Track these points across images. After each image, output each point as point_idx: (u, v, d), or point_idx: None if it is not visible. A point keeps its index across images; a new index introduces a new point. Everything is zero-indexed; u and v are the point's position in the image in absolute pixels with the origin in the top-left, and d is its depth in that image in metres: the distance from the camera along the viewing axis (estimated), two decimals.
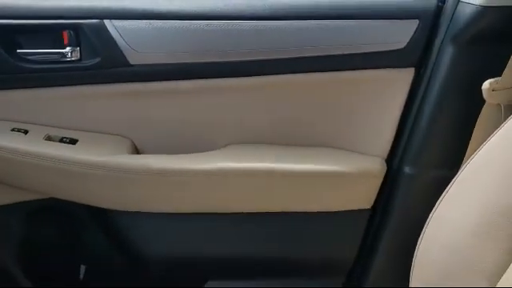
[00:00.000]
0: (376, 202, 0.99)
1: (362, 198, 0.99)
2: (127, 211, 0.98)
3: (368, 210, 1.01)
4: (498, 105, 0.83)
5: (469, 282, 0.62)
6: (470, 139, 0.87)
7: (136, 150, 0.98)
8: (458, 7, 0.87)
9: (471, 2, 0.84)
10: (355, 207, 0.99)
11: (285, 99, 0.97)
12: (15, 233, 1.02)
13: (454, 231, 0.66)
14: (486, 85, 0.83)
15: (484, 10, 0.82)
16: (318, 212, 0.99)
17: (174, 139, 0.98)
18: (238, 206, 0.99)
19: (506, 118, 0.69)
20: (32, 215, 1.02)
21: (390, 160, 0.98)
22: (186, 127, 0.98)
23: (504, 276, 0.58)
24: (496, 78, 0.82)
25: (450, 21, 0.88)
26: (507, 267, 0.58)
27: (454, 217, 0.67)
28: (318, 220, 1.00)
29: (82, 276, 1.07)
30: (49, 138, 0.93)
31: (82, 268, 1.09)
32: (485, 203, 0.63)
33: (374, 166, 0.96)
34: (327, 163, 0.96)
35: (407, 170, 0.95)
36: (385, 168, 0.97)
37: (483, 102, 0.84)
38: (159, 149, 0.98)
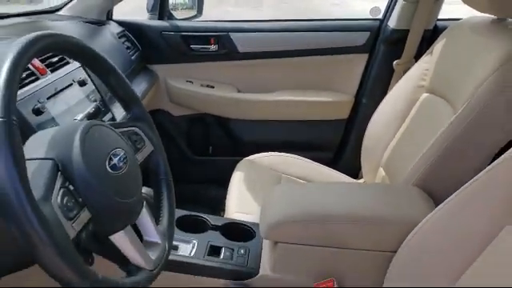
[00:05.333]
0: (349, 115, 1.85)
1: (342, 113, 1.84)
2: (236, 118, 1.86)
3: (345, 119, 1.86)
4: (400, 72, 1.66)
5: (380, 142, 1.46)
6: (389, 85, 1.71)
7: (238, 91, 1.86)
8: (386, 28, 1.71)
9: (391, 26, 1.67)
10: (339, 117, 1.86)
11: (303, 68, 1.83)
12: (182, 129, 1.91)
13: (378, 123, 1.50)
14: (394, 63, 1.68)
15: (395, 30, 1.66)
16: (319, 120, 1.85)
17: (255, 86, 1.84)
18: (279, 116, 1.86)
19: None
20: (191, 121, 1.89)
21: (356, 95, 1.83)
22: (260, 81, 1.84)
23: None
24: (398, 60, 1.67)
25: (383, 34, 1.72)
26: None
27: (380, 116, 1.49)
28: (321, 123, 1.85)
29: (210, 151, 1.96)
30: (201, 85, 1.82)
31: (210, 148, 1.98)
32: (389, 112, 1.47)
33: (347, 98, 1.83)
34: (324, 97, 1.82)
35: (363, 100, 1.80)
36: (353, 99, 1.83)
37: (393, 71, 1.69)
38: (248, 90, 1.85)
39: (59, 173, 0.55)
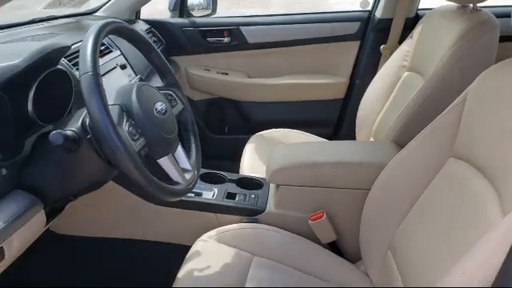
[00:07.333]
0: (345, 94, 2.07)
1: (339, 92, 2.06)
2: (247, 101, 2.09)
3: (342, 98, 2.08)
4: (386, 55, 1.88)
5: (371, 115, 1.69)
6: (377, 67, 1.93)
7: (249, 77, 2.09)
8: (374, 17, 1.93)
9: (378, 16, 1.90)
10: (337, 97, 2.08)
11: (304, 55, 2.05)
12: (201, 111, 2.14)
13: (369, 100, 1.72)
14: (381, 47, 1.90)
15: (381, 19, 1.88)
16: (319, 100, 2.07)
17: (263, 72, 2.07)
18: (285, 97, 2.09)
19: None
20: (208, 105, 2.13)
21: (350, 77, 2.05)
22: (268, 67, 2.07)
23: None
24: (385, 45, 1.89)
25: (372, 23, 1.94)
26: None
27: (370, 94, 1.72)
28: (321, 102, 2.08)
29: (226, 131, 2.20)
30: (217, 72, 2.06)
31: (226, 128, 2.21)
32: (378, 90, 1.69)
33: (343, 79, 2.05)
34: (323, 79, 2.05)
35: (357, 81, 2.02)
36: (348, 81, 2.05)
37: (381, 54, 1.91)
38: (257, 76, 2.08)
39: (124, 113, 0.80)
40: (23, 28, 1.42)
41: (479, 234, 0.76)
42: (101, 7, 1.91)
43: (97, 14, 1.90)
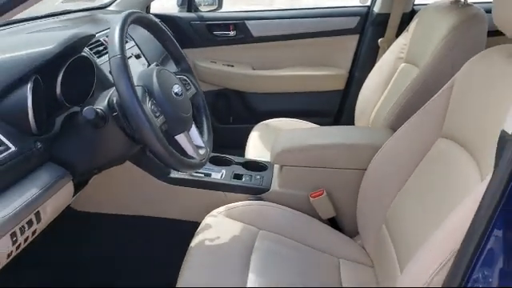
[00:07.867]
0: (345, 86, 2.15)
1: (339, 84, 2.15)
2: (251, 92, 2.18)
3: (342, 89, 2.16)
4: (384, 48, 1.97)
5: (369, 105, 1.78)
6: (376, 60, 2.01)
7: (253, 69, 2.18)
8: (372, 12, 2.01)
9: (376, 11, 1.98)
10: (337, 88, 2.16)
11: (306, 48, 2.13)
12: (208, 102, 2.21)
13: (367, 90, 1.81)
14: (379, 41, 1.99)
15: (379, 14, 1.97)
16: (320, 91, 2.16)
17: (267, 64, 2.15)
18: (287, 88, 2.17)
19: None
20: (215, 95, 2.20)
21: (350, 69, 2.13)
22: (271, 60, 2.15)
23: None
24: (382, 38, 1.97)
25: (370, 17, 2.02)
26: None
27: (369, 85, 1.81)
28: (322, 93, 2.16)
29: (231, 120, 2.28)
30: (223, 65, 2.14)
31: (230, 118, 2.30)
32: (376, 81, 1.78)
33: (343, 72, 2.14)
34: (324, 71, 2.13)
35: (356, 73, 2.11)
36: (348, 73, 2.13)
37: (379, 47, 1.99)
38: (261, 68, 2.16)
39: (146, 93, 0.89)
40: (42, 21, 1.51)
41: None
42: (113, 2, 1.99)
43: (109, 8, 1.99)
